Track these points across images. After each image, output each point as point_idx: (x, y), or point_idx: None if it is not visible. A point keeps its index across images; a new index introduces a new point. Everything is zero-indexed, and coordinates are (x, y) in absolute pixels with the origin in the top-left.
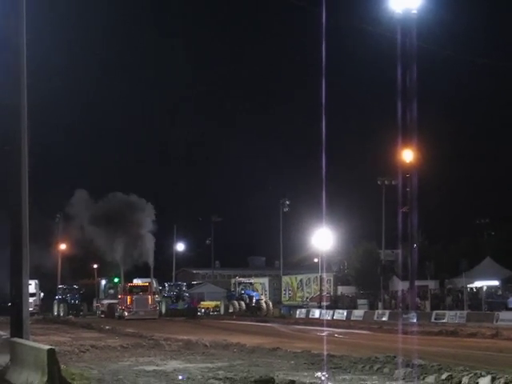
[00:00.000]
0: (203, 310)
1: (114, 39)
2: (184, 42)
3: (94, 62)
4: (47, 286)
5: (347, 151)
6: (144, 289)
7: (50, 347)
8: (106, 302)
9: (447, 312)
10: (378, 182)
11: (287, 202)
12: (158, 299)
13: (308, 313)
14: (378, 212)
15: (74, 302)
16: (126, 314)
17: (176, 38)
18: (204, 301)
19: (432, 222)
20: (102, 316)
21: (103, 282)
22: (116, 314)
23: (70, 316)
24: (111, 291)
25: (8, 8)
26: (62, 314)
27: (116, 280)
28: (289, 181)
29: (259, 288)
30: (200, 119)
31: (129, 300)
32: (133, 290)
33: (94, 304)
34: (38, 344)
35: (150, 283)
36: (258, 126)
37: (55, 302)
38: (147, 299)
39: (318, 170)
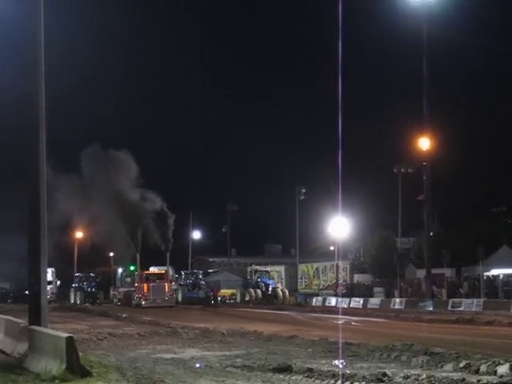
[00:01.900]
0: (219, 298)
1: (126, 36)
2: (199, 34)
3: (110, 57)
4: (64, 274)
5: (363, 139)
6: (161, 276)
7: (68, 335)
8: (122, 290)
9: (464, 300)
10: (394, 170)
11: (303, 190)
12: (175, 287)
13: (324, 301)
14: (394, 200)
15: (91, 289)
16: (143, 302)
17: (190, 33)
18: (220, 289)
19: (448, 209)
20: (119, 304)
21: (120, 270)
22: (133, 302)
23: (87, 304)
24: (128, 279)
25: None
26: (78, 302)
27: (132, 268)
28: (305, 169)
29: (275, 276)
30: (216, 108)
31: (145, 288)
32: (149, 278)
33: (111, 292)
34: (57, 332)
35: (166, 271)
36: (274, 115)
37: (72, 289)
38: (164, 287)
39: (334, 157)
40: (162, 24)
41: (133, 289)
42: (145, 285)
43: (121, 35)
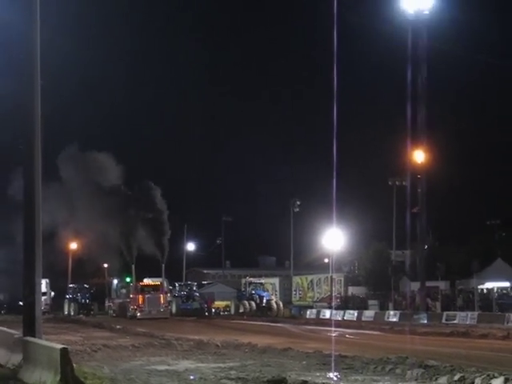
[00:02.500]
0: (214, 310)
1: (123, 37)
2: (196, 34)
3: (111, 56)
4: (58, 285)
5: (358, 152)
6: (156, 288)
7: (63, 346)
8: (117, 301)
9: (458, 313)
10: (389, 183)
11: (298, 202)
12: (169, 299)
13: (318, 313)
14: (388, 212)
15: (85, 301)
16: (139, 313)
17: (187, 32)
18: (214, 301)
19: (443, 222)
20: (114, 315)
21: (115, 281)
22: (128, 314)
23: (81, 315)
24: (123, 290)
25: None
26: (72, 313)
27: (128, 279)
28: (299, 181)
29: (269, 288)
30: (211, 119)
31: (141, 299)
32: (144, 290)
33: (106, 303)
34: (51, 343)
35: (161, 282)
36: (268, 126)
37: (66, 301)
38: (159, 298)
39: (328, 170)
40: (158, 22)
41: (128, 300)
42: (140, 296)
43: (118, 35)
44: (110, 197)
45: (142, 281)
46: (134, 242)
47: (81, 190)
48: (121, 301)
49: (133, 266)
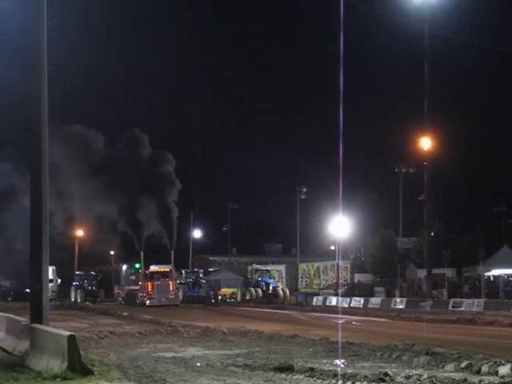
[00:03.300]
0: (220, 297)
1: (125, 35)
2: (201, 33)
3: (118, 46)
4: (65, 272)
5: (365, 139)
6: (165, 274)
7: (70, 333)
8: (126, 288)
9: (464, 300)
10: (396, 170)
11: (304, 190)
12: (177, 286)
13: (325, 300)
14: (395, 200)
15: (91, 288)
16: (148, 301)
17: (190, 30)
18: (221, 288)
19: (449, 209)
20: (123, 303)
21: (124, 267)
22: (137, 301)
23: (87, 302)
24: (132, 277)
25: None
26: (79, 301)
27: (137, 266)
28: (306, 168)
29: (276, 275)
30: (218, 106)
31: (150, 286)
32: (153, 276)
33: (115, 290)
34: (58, 330)
35: (171, 269)
36: (276, 114)
37: (72, 288)
38: (168, 285)
39: (335, 157)
40: (159, 21)
41: (137, 287)
42: (149, 283)
43: (120, 33)
44: (105, 172)
45: (150, 268)
46: (140, 223)
47: (76, 170)
48: (130, 288)
49: (142, 253)
